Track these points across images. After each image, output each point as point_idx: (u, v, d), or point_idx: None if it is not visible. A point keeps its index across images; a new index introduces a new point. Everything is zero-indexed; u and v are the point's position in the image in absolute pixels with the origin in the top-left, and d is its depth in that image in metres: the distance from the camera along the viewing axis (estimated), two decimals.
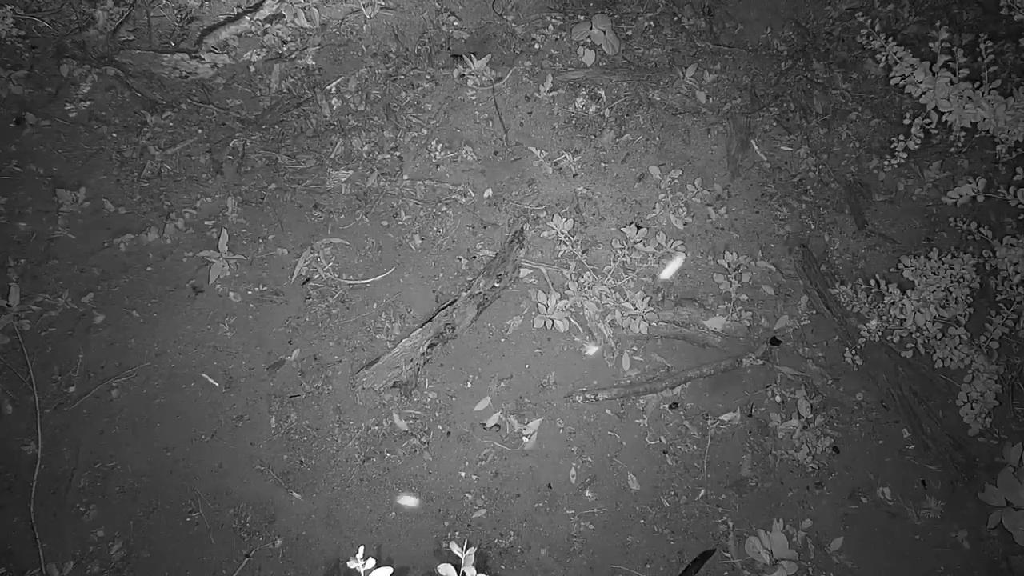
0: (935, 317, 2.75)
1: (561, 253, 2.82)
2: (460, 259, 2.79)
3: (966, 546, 2.57)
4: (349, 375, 2.47)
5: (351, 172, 3.20)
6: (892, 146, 2.75)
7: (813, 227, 3.03)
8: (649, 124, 3.59)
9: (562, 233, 2.78)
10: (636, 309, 2.65)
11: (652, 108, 3.62)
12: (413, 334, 2.51)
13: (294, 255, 2.69)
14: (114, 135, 2.72)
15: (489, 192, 3.22)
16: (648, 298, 2.68)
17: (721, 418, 2.55)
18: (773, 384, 2.63)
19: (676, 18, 3.18)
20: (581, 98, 3.60)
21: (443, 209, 3.18)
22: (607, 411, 2.55)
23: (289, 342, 2.52)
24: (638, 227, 2.80)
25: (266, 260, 2.67)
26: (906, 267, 2.85)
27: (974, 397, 2.68)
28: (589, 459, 2.43)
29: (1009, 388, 2.80)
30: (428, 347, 2.54)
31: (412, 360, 2.50)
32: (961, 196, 2.61)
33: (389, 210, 3.15)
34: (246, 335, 2.49)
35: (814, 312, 2.79)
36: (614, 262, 2.78)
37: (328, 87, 3.49)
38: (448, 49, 3.67)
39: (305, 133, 3.35)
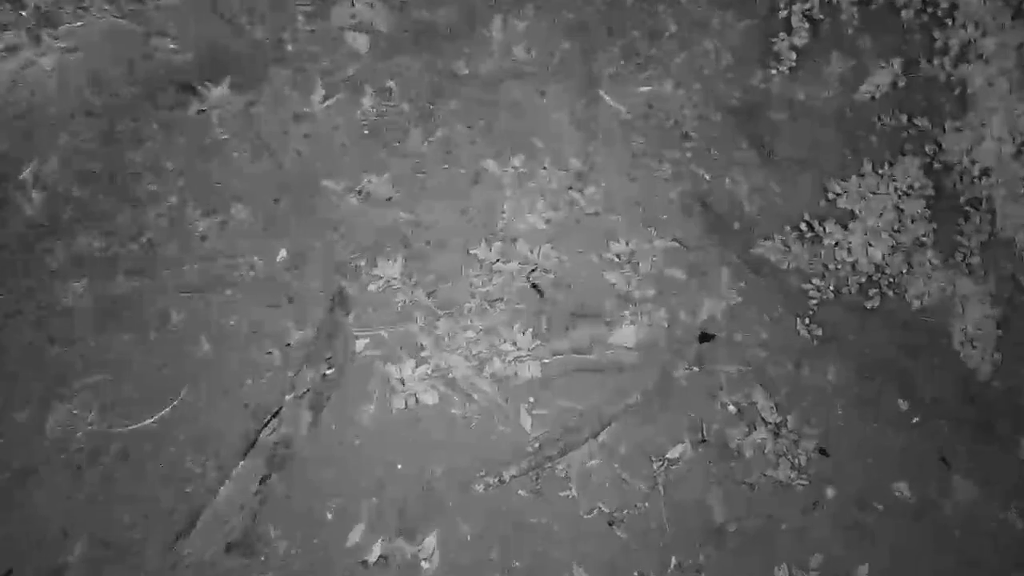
0: (892, 247, 3.09)
1: (400, 305, 3.10)
2: (270, 353, 2.97)
3: (1020, 525, 2.75)
4: (163, 552, 2.50)
5: (87, 280, 3.11)
6: (774, 48, 3.15)
7: (709, 177, 3.43)
8: (464, 107, 3.89)
9: (393, 279, 3.06)
10: (518, 348, 2.95)
11: (461, 86, 3.94)
12: (235, 471, 2.61)
13: (39, 414, 2.72)
14: None
15: (283, 254, 3.32)
16: (529, 329, 2.97)
17: (668, 456, 2.81)
18: (719, 392, 2.93)
19: None
20: (367, 97, 3.90)
21: (227, 293, 3.15)
22: (520, 492, 2.76)
23: (65, 535, 2.50)
24: (490, 243, 3.09)
25: (1, 434, 2.62)
26: (837, 194, 3.32)
27: (971, 333, 2.84)
28: (516, 562, 2.58)
29: (1008, 306, 2.98)
30: (261, 482, 2.64)
31: (244, 506, 2.58)
32: (878, 87, 2.97)
33: (154, 315, 3.06)
34: (4, 548, 2.46)
35: (742, 284, 3.16)
36: (473, 297, 3.11)
37: (21, 176, 3.60)
38: (171, 81, 3.88)
39: (8, 248, 3.44)
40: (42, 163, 3.63)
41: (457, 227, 3.36)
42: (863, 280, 2.93)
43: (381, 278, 3.12)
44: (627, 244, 3.23)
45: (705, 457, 2.78)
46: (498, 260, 3.17)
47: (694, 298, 3.17)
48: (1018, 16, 2.92)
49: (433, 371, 2.96)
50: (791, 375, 2.95)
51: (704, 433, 2.89)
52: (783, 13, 2.90)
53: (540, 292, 3.33)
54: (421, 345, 3.00)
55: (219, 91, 3.77)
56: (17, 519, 2.54)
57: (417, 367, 2.95)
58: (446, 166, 3.80)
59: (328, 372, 2.95)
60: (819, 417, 2.84)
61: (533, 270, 3.21)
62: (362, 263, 3.32)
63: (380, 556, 2.57)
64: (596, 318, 3.20)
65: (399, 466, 2.79)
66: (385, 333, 3.11)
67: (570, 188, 3.46)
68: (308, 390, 2.88)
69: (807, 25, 2.80)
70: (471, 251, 3.19)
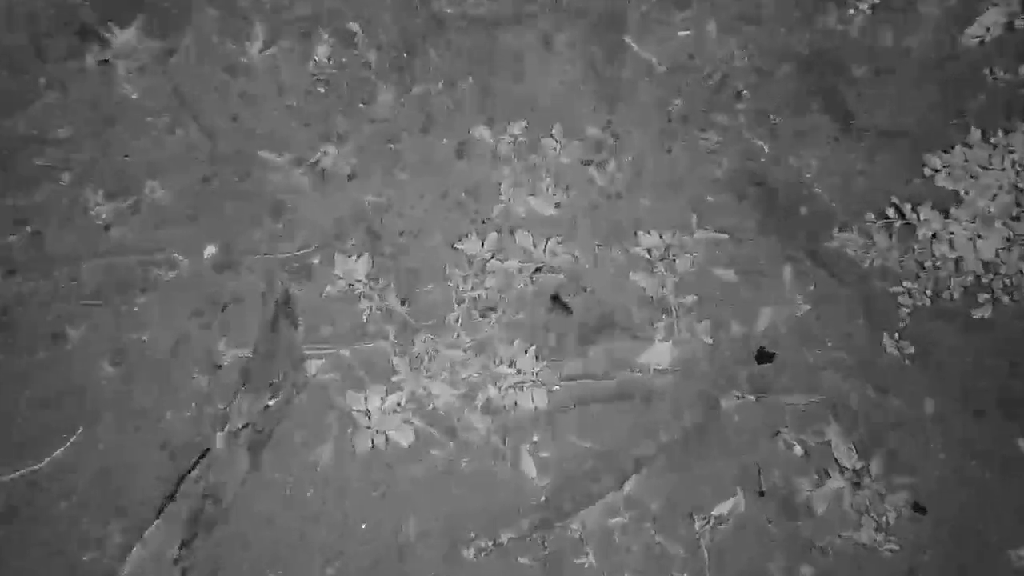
0: (1008, 239, 3.05)
1: (366, 314, 3.11)
2: (195, 377, 2.97)
3: None
4: None
5: None
6: None
7: (767, 148, 3.47)
8: (449, 58, 3.88)
9: (356, 280, 3.08)
10: (519, 372, 2.94)
11: (444, 31, 3.93)
12: (147, 533, 2.60)
13: None
14: None
15: (212, 249, 3.32)
16: (533, 347, 2.97)
17: (715, 512, 2.77)
18: (782, 428, 2.92)
19: None
20: (323, 46, 3.87)
21: (139, 299, 3.14)
22: (522, 560, 2.72)
23: None
24: (482, 234, 3.17)
25: None
26: (936, 170, 3.27)
27: None
28: None
29: None
30: (181, 547, 2.64)
31: None
32: (988, 30, 2.90)
33: (44, 329, 3.07)
34: None
35: (811, 288, 3.18)
36: (459, 304, 3.11)
37: None
38: (65, 25, 3.79)
39: None
40: None
41: (437, 214, 3.43)
42: (969, 282, 2.95)
43: (340, 279, 3.16)
44: (660, 236, 3.29)
45: (763, 514, 2.80)
46: (492, 256, 3.22)
47: (748, 305, 3.23)
48: None
49: (408, 401, 2.99)
50: (876, 406, 2.96)
51: (762, 483, 2.90)
52: None
53: (566, 307, 3.41)
54: (393, 367, 3.04)
55: (126, 36, 3.76)
56: None
57: (387, 396, 2.97)
58: (425, 134, 3.68)
59: (271, 402, 2.98)
60: (913, 462, 2.84)
61: (538, 269, 3.25)
62: (316, 260, 3.38)
63: None
64: (620, 332, 3.26)
65: (363, 525, 2.80)
66: (346, 351, 3.15)
67: (587, 164, 3.55)
68: (245, 426, 2.91)
69: None
70: (457, 245, 3.23)
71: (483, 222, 3.48)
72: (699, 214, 3.44)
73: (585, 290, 3.39)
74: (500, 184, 3.48)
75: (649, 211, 3.52)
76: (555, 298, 3.38)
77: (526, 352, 3.06)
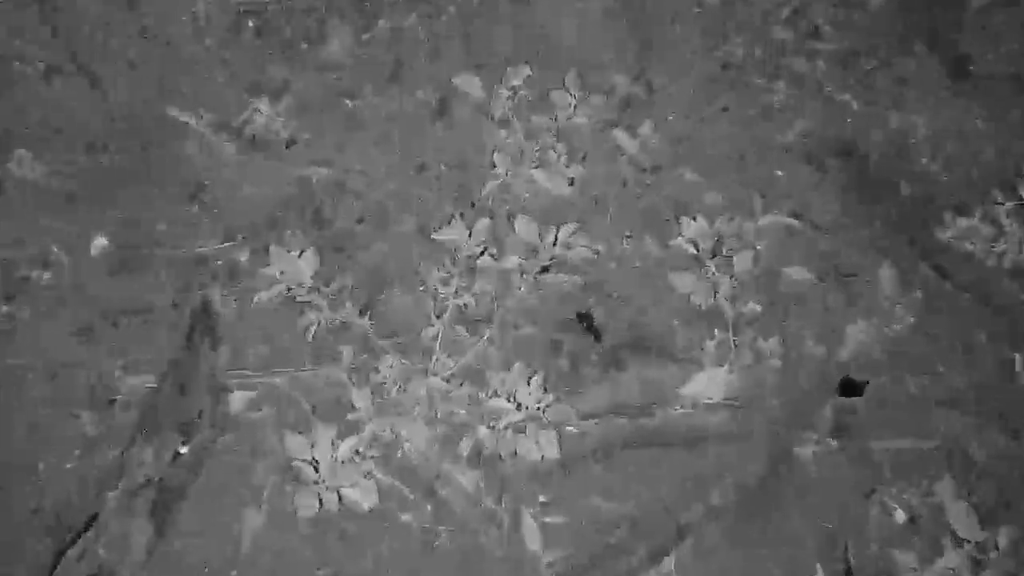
0: None
1: (312, 329, 3.14)
2: (79, 415, 3.04)
3: None
4: None
5: None
6: None
7: (856, 106, 3.50)
8: None
9: (299, 284, 3.11)
10: (521, 408, 2.99)
11: None
12: None
13: None
14: None
15: (103, 242, 3.35)
16: (539, 374, 3.02)
17: None
18: (877, 486, 2.98)
19: None
20: None
21: (3, 310, 3.23)
22: None
23: None
24: (469, 221, 3.29)
25: None
26: None
27: None
28: None
29: None
30: None
31: None
32: None
33: None
34: None
35: (917, 294, 3.22)
36: (439, 316, 3.15)
37: None
38: None
39: None
40: None
41: (411, 193, 3.43)
42: None
43: (278, 282, 3.10)
44: (711, 223, 3.24)
45: None
46: (483, 251, 3.19)
47: (831, 318, 3.20)
48: None
49: (370, 447, 2.97)
50: (1005, 455, 2.93)
51: (850, 559, 2.87)
52: None
53: (595, 331, 3.45)
54: (349, 402, 2.99)
55: None
56: None
57: (342, 441, 2.95)
58: (392, 86, 3.87)
59: (182, 450, 2.98)
60: None
61: (545, 269, 3.22)
62: (244, 257, 3.35)
63: None
64: (657, 353, 3.26)
65: None
66: (284, 380, 3.14)
67: (611, 125, 3.51)
68: (147, 481, 2.91)
69: None
70: (436, 236, 3.22)
71: (471, 205, 3.48)
72: (764, 194, 3.43)
73: (610, 297, 3.36)
74: (494, 153, 3.47)
75: (696, 190, 3.52)
76: (581, 318, 3.38)
77: (530, 381, 3.04)
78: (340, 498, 2.93)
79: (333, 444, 3.02)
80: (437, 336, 3.24)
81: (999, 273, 3.28)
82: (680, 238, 3.40)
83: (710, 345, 3.43)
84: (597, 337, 3.41)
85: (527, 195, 3.55)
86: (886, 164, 3.51)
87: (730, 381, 3.31)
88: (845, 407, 3.19)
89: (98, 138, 3.52)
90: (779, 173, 3.56)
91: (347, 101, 3.69)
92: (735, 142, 3.64)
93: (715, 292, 3.31)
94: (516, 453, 3.03)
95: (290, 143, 3.67)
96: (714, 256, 3.33)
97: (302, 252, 3.28)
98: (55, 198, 3.37)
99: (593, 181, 3.58)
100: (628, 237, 3.58)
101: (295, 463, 2.97)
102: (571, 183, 3.63)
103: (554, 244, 3.33)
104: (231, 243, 3.46)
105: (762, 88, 3.67)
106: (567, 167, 3.55)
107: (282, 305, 3.28)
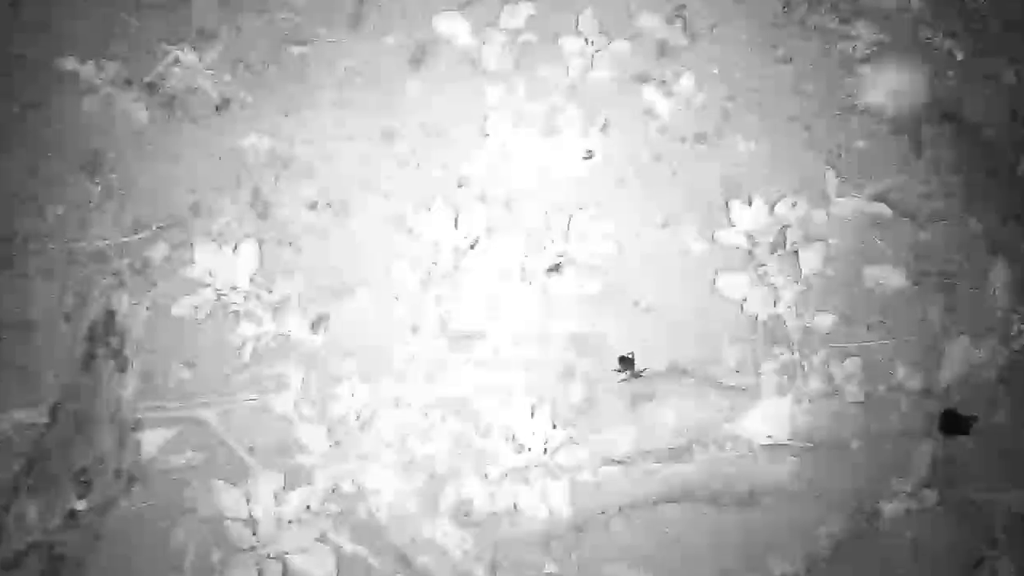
0: None
1: (250, 347, 3.32)
2: None
3: None
4: None
5: None
6: None
7: (961, 55, 3.69)
8: None
9: (233, 288, 3.25)
10: (523, 450, 3.14)
11: None
12: None
13: None
14: None
15: None
16: (547, 406, 3.19)
17: None
18: (988, 553, 3.08)
19: None
20: None
21: None
22: None
23: None
24: (455, 205, 3.41)
25: None
26: None
27: None
28: None
29: None
30: None
31: None
32: None
33: None
34: None
35: None
36: (415, 330, 3.37)
37: None
38: None
39: None
40: None
41: (378, 169, 3.52)
42: None
43: (205, 285, 3.20)
44: (771, 209, 3.34)
45: None
46: (473, 245, 3.30)
47: (927, 333, 3.27)
48: None
49: (326, 502, 3.05)
50: None
51: None
52: None
53: (630, 368, 3.45)
54: (298, 443, 3.08)
55: None
56: None
57: (288, 492, 3.02)
58: (355, 31, 3.90)
59: (79, 506, 3.01)
60: None
61: (555, 267, 3.36)
62: (159, 253, 3.53)
63: None
64: (700, 379, 3.34)
65: None
66: (212, 413, 3.20)
67: (640, 80, 3.61)
68: (31, 547, 2.99)
69: None
70: (412, 225, 3.32)
71: (458, 185, 3.51)
72: (839, 171, 3.47)
73: (637, 305, 3.45)
74: (486, 117, 3.53)
75: (750, 165, 3.59)
76: (624, 364, 3.42)
77: (533, 414, 3.08)
78: (286, 569, 2.96)
79: (277, 498, 3.11)
80: (412, 356, 3.30)
81: None
82: (730, 228, 3.41)
83: (769, 368, 3.40)
84: (632, 371, 3.47)
85: (529, 172, 3.58)
86: (1000, 134, 3.52)
87: (796, 416, 3.36)
88: (947, 450, 3.20)
89: None
90: (860, 144, 3.57)
91: (296, 49, 3.72)
92: (801, 103, 3.69)
93: (776, 299, 3.33)
94: (517, 507, 3.11)
95: (222, 105, 3.63)
96: (775, 252, 3.35)
97: (237, 247, 3.35)
98: None
99: (616, 154, 3.64)
100: (662, 227, 3.57)
101: (227, 523, 2.97)
102: (587, 156, 3.62)
103: (565, 235, 3.37)
104: (142, 235, 3.51)
105: (836, 32, 3.70)
106: (583, 136, 3.59)
107: (211, 316, 3.30)
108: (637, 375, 3.41)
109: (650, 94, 3.66)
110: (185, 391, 3.33)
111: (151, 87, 3.64)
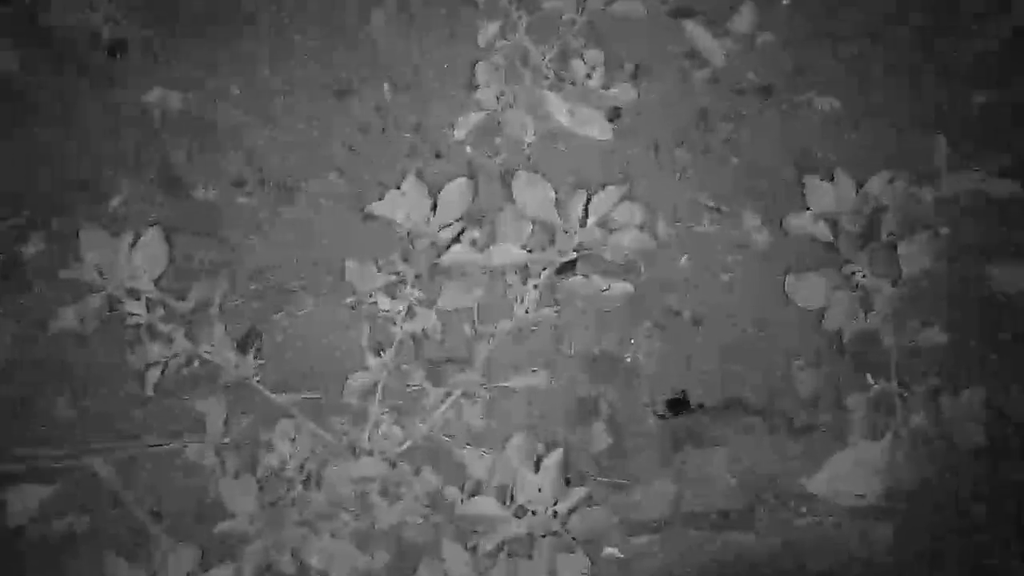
0: None
1: (156, 374, 3.31)
2: None
3: None
4: None
5: None
6: None
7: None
8: None
9: (137, 291, 3.25)
10: (524, 513, 3.13)
11: None
12: None
13: None
14: None
15: None
16: (556, 453, 3.17)
17: None
18: None
19: None
20: None
21: None
22: None
23: None
24: (434, 183, 3.36)
25: None
26: None
27: None
28: None
29: None
30: None
31: None
32: None
33: None
34: None
35: None
36: (379, 351, 3.37)
37: None
38: None
39: None
40: None
41: (332, 134, 3.68)
42: None
43: (96, 291, 3.24)
44: (856, 187, 3.35)
45: None
46: (458, 235, 3.36)
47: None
48: None
49: None
50: None
51: None
52: None
53: (682, 411, 3.41)
54: (221, 504, 3.10)
55: None
56: None
57: (205, 571, 3.05)
58: None
59: None
60: None
61: (570, 264, 3.33)
62: (30, 247, 3.57)
63: None
64: (764, 417, 3.40)
65: None
66: (104, 463, 3.33)
67: (682, 16, 3.72)
68: None
69: None
70: (377, 210, 3.36)
71: (436, 156, 3.57)
72: (952, 138, 3.46)
73: (678, 316, 3.52)
74: (476, 66, 3.60)
75: (831, 129, 3.69)
76: (675, 406, 3.43)
77: (539, 465, 3.16)
78: None
79: None
80: (376, 387, 3.30)
81: None
82: (805, 213, 3.44)
83: (858, 402, 3.35)
84: (681, 409, 3.46)
85: (535, 138, 3.54)
86: None
87: (894, 466, 3.32)
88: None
89: None
90: (979, 100, 3.56)
91: None
92: (903, 44, 3.78)
93: (866, 308, 3.36)
94: None
95: (117, 48, 3.57)
96: (864, 245, 3.38)
97: (138, 238, 3.30)
98: None
99: (650, 113, 3.63)
100: (711, 210, 3.51)
101: None
102: (613, 117, 3.57)
103: (582, 223, 3.35)
104: (10, 223, 3.51)
105: None
106: (605, 89, 3.54)
107: (102, 332, 3.38)
108: (682, 407, 3.39)
109: (696, 33, 3.63)
110: (68, 434, 3.34)
111: (19, 26, 3.59)
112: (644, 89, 3.59)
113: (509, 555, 3.14)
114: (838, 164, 3.52)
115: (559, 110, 3.55)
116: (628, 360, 3.44)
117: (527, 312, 3.42)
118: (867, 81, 3.67)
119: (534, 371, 3.45)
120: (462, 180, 3.39)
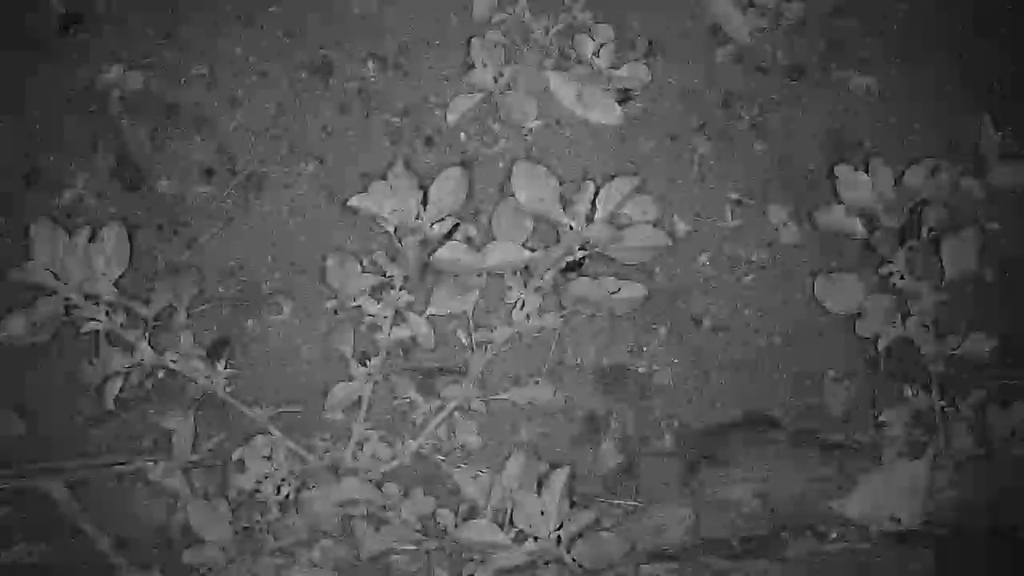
0: None
1: (117, 386, 3.36)
2: None
3: None
4: None
5: None
6: None
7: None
8: None
9: (94, 295, 3.31)
10: (524, 540, 3.17)
11: None
12: None
13: None
14: None
15: None
16: (561, 472, 3.22)
17: None
18: None
19: None
20: None
21: None
22: None
23: None
24: (425, 172, 3.44)
25: None
26: None
27: None
28: None
29: None
30: None
31: None
32: None
33: None
34: None
35: None
36: (363, 363, 3.40)
37: None
38: None
39: None
40: None
41: (309, 119, 3.68)
42: None
43: (48, 294, 3.29)
44: (895, 178, 3.40)
45: None
46: (451, 232, 3.39)
47: None
48: None
49: None
50: None
51: None
52: None
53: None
54: (187, 528, 3.19)
55: None
56: None
57: None
58: None
59: None
60: None
61: (577, 264, 3.38)
62: None
63: None
64: (790, 435, 3.44)
65: None
66: (60, 486, 3.40)
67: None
68: None
69: None
70: (358, 204, 3.37)
71: (427, 142, 3.54)
72: (1001, 120, 3.53)
73: (697, 322, 3.53)
74: (471, 42, 3.60)
75: (867, 111, 3.69)
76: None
77: (541, 487, 3.22)
78: None
79: None
80: (360, 400, 3.35)
81: None
82: (837, 207, 3.45)
83: (894, 418, 3.40)
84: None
85: (537, 123, 3.57)
86: None
87: (935, 488, 3.36)
88: None
89: None
90: None
91: None
92: (949, 17, 3.68)
93: (905, 314, 3.37)
94: None
95: (70, 22, 3.56)
96: (903, 243, 3.39)
97: (95, 235, 3.34)
98: None
99: (665, 96, 3.66)
100: (734, 203, 3.54)
101: None
102: (624, 99, 3.58)
103: (590, 219, 3.37)
104: None
105: None
106: (615, 69, 3.56)
107: (56, 340, 3.40)
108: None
109: (718, 5, 3.61)
110: (18, 453, 3.39)
111: None
112: (659, 69, 3.60)
113: None
114: (874, 152, 3.57)
115: (564, 92, 3.55)
116: (640, 371, 3.44)
117: (528, 318, 3.45)
118: (909, 58, 3.67)
119: (536, 383, 3.47)
120: (455, 170, 3.44)
